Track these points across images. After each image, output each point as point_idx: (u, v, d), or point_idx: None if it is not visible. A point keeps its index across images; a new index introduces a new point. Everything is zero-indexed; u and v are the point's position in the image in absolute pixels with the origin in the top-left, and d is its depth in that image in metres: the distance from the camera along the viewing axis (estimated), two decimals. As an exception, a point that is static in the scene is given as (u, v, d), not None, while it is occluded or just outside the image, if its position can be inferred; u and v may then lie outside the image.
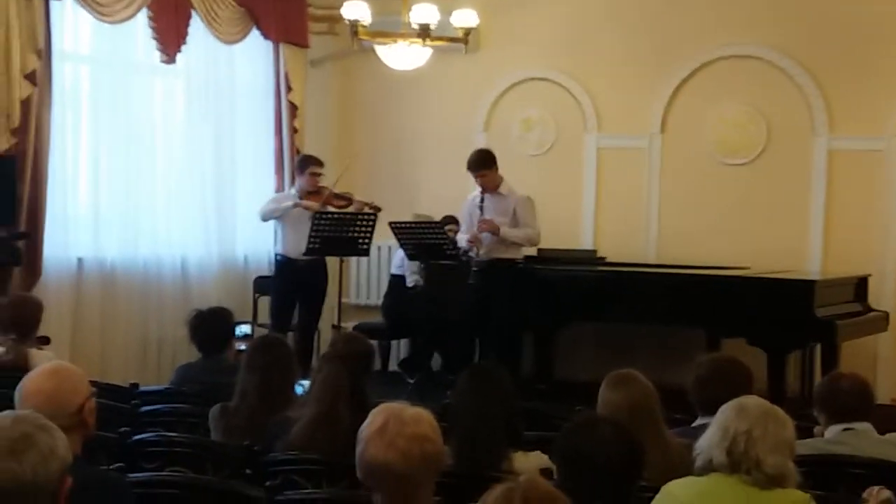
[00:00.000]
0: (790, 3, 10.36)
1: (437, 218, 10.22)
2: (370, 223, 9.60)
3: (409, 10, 9.04)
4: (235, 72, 10.82)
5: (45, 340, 6.75)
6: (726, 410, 3.67)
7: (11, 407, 3.33)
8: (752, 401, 3.71)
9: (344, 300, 10.30)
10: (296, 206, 9.75)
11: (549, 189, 10.79)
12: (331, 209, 9.76)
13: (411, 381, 10.04)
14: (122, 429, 4.75)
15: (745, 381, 4.77)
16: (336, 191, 10.00)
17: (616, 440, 3.42)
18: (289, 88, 11.07)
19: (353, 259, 11.03)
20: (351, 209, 9.90)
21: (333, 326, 9.84)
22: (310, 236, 9.42)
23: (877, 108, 10.14)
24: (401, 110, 11.55)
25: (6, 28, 8.47)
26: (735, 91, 10.55)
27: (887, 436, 4.80)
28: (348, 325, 10.33)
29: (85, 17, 9.26)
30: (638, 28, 10.81)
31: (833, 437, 4.70)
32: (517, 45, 11.17)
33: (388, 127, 11.59)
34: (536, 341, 10.03)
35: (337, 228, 9.55)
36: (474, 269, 9.52)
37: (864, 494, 3.84)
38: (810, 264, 10.28)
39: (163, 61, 9.85)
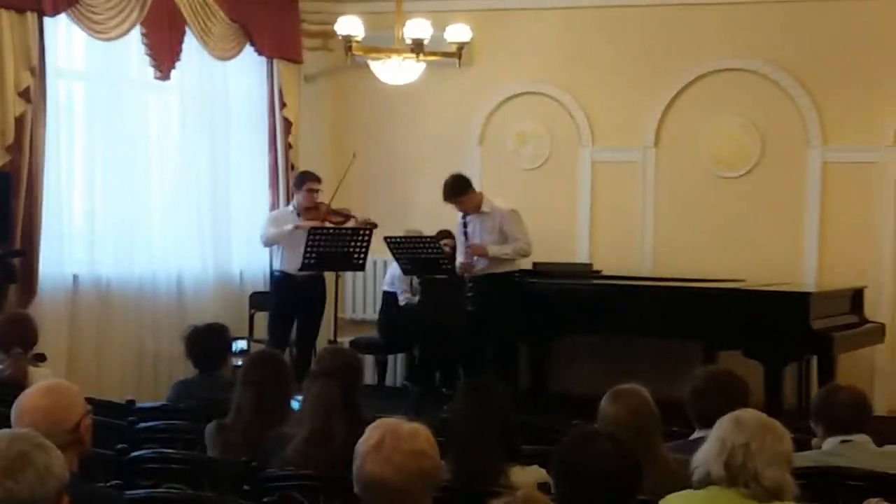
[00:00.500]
0: (782, 16, 10.38)
1: (430, 233, 10.21)
2: (366, 238, 9.61)
3: (403, 25, 9.04)
4: (229, 87, 10.82)
5: (42, 357, 6.74)
6: (724, 423, 3.67)
7: (8, 425, 3.33)
8: (750, 413, 3.71)
9: (340, 315, 10.30)
10: (297, 227, 9.76)
11: (544, 202, 10.81)
12: (328, 225, 9.77)
13: (417, 390, 9.97)
14: (119, 446, 4.73)
15: (742, 393, 4.77)
16: (334, 206, 10.02)
17: (614, 454, 3.41)
18: (283, 104, 11.07)
19: (349, 274, 11.03)
20: (348, 225, 9.91)
21: (330, 342, 9.83)
22: (305, 252, 9.43)
23: (870, 118, 10.16)
24: (395, 125, 11.55)
25: (-1, 45, 8.50)
26: (729, 104, 10.57)
27: (885, 448, 4.80)
28: (344, 340, 10.33)
29: (78, 34, 9.27)
30: (631, 42, 10.82)
31: (830, 450, 4.70)
32: (511, 59, 11.18)
33: (383, 142, 11.58)
34: (532, 354, 10.03)
35: (332, 244, 9.55)
36: (470, 283, 9.52)
37: (862, 506, 3.84)
38: (806, 276, 10.28)
39: (157, 77, 9.85)
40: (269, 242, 10.08)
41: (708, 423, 3.91)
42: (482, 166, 11.23)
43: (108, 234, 9.67)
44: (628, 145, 10.89)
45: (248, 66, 10.95)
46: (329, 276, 10.01)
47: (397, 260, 9.84)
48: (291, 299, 9.93)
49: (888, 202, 10.10)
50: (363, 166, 11.03)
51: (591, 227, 11.00)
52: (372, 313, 11.36)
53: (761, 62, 10.42)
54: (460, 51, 9.37)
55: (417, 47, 8.95)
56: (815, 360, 9.38)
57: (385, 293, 10.85)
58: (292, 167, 10.99)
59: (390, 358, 11.25)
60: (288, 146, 11.12)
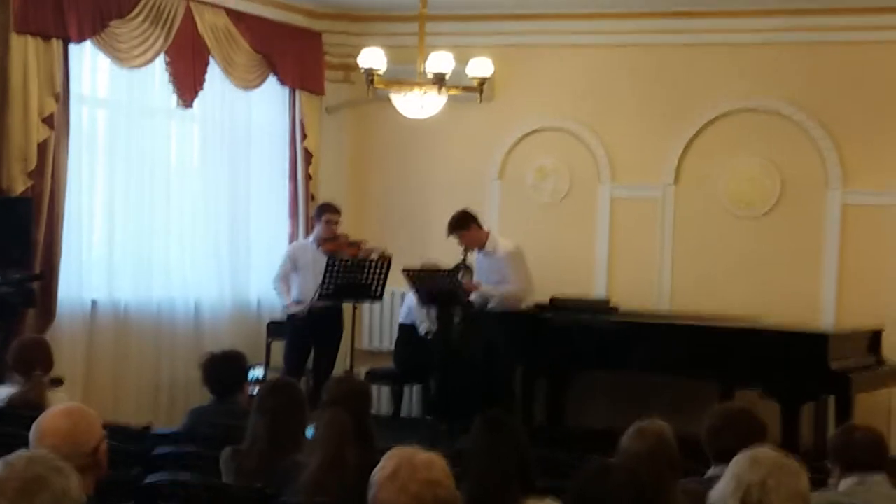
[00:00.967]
0: (804, 57, 10.40)
1: (447, 266, 10.20)
2: (384, 269, 9.63)
3: (425, 59, 9.07)
4: (251, 117, 10.88)
5: (60, 382, 6.76)
6: (740, 461, 3.65)
7: (27, 446, 3.34)
8: (766, 451, 3.69)
9: (356, 346, 10.30)
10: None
11: (563, 237, 10.83)
12: (344, 255, 9.79)
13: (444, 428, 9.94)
14: (135, 470, 4.74)
15: (759, 431, 4.76)
16: (351, 239, 10.06)
17: (629, 488, 3.41)
18: (304, 135, 11.13)
19: (366, 305, 11.04)
20: (365, 256, 9.92)
21: (345, 372, 9.82)
22: (323, 282, 9.45)
23: (891, 162, 10.15)
24: (415, 158, 11.58)
25: (24, 71, 8.55)
26: (749, 144, 10.57)
27: (902, 488, 4.78)
28: (360, 370, 10.33)
29: (103, 61, 9.35)
30: (652, 80, 10.85)
31: (847, 489, 4.69)
32: (532, 94, 11.22)
33: (402, 175, 11.61)
34: (549, 389, 10.01)
35: (350, 274, 9.57)
36: (482, 318, 9.53)
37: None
38: (824, 317, 10.26)
39: (179, 106, 9.93)
40: (275, 287, 10.19)
41: (724, 460, 3.90)
42: (501, 200, 11.27)
43: (126, 260, 9.72)
44: (648, 182, 10.88)
45: (271, 97, 11.01)
46: (346, 307, 10.03)
47: (416, 292, 9.85)
48: (309, 329, 9.94)
49: (906, 245, 10.10)
50: (382, 198, 11.05)
51: (609, 262, 11.00)
52: (388, 344, 11.35)
53: (783, 103, 10.42)
54: (482, 85, 9.37)
55: (439, 81, 8.97)
56: (832, 401, 9.34)
57: (401, 325, 10.86)
58: (312, 198, 11.04)
59: (406, 389, 11.24)
60: (308, 177, 11.16)
